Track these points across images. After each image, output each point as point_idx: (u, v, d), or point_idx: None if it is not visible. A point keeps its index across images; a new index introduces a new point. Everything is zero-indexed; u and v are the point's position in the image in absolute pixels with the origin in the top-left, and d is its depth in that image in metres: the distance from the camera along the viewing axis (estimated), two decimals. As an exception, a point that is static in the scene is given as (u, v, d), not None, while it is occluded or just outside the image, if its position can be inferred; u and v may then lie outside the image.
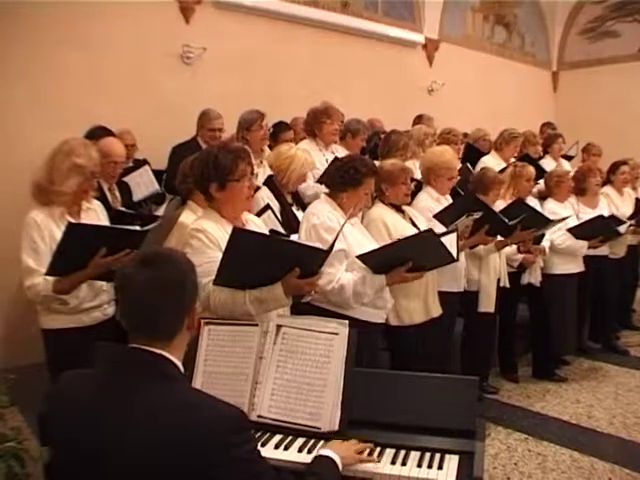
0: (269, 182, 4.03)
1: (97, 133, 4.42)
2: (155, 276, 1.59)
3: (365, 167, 3.28)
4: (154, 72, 5.87)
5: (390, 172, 3.78)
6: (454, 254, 3.25)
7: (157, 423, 1.48)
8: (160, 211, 4.47)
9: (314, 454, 1.91)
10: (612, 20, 10.43)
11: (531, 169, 5.12)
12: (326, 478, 1.87)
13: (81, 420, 1.55)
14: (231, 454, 1.49)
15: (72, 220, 2.99)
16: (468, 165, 5.58)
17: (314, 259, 2.59)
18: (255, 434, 2.20)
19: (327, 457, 1.90)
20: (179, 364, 1.64)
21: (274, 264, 2.49)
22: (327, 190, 3.39)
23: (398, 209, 3.86)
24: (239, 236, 2.38)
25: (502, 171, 5.20)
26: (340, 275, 3.06)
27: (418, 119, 6.46)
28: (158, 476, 1.46)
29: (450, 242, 3.26)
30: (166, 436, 1.47)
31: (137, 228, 3.08)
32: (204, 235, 2.58)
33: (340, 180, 3.26)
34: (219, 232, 2.62)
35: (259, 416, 2.26)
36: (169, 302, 1.60)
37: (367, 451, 2.10)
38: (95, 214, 3.23)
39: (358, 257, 3.04)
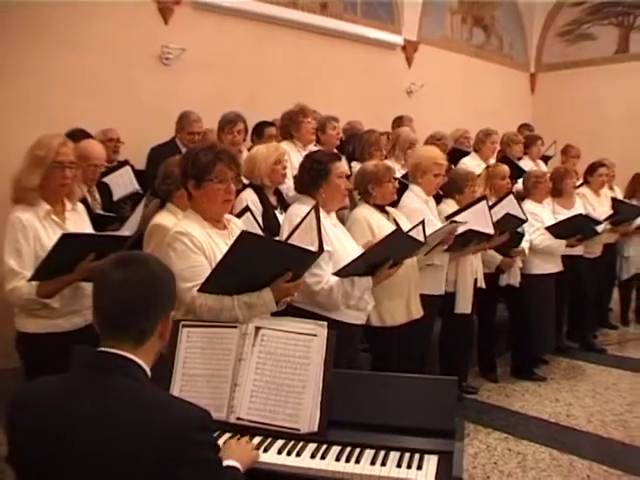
0: (253, 186, 4.01)
1: (75, 135, 4.38)
2: (128, 278, 1.58)
3: (324, 156, 3.31)
4: (133, 73, 5.82)
5: (375, 172, 3.79)
6: (420, 239, 3.32)
7: (124, 422, 1.48)
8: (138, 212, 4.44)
9: None
10: (589, 23, 10.53)
11: (504, 167, 5.19)
12: None
13: (48, 422, 1.53)
14: (194, 453, 1.50)
15: (57, 220, 2.97)
16: (452, 167, 5.62)
17: (305, 261, 2.63)
18: (234, 436, 2.20)
19: (232, 467, 1.87)
20: (147, 369, 1.63)
21: (268, 268, 2.51)
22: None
23: (382, 210, 3.86)
24: (247, 239, 2.38)
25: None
26: (328, 277, 3.05)
27: (398, 120, 6.49)
28: (126, 473, 1.46)
29: (417, 232, 3.32)
30: (132, 434, 1.47)
31: (126, 233, 3.06)
32: (189, 239, 2.56)
33: (310, 179, 3.26)
34: (203, 236, 2.61)
35: (238, 418, 2.26)
36: (141, 305, 1.60)
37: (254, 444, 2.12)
38: (79, 216, 3.20)
39: (335, 274, 3.02)
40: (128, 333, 1.60)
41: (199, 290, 2.48)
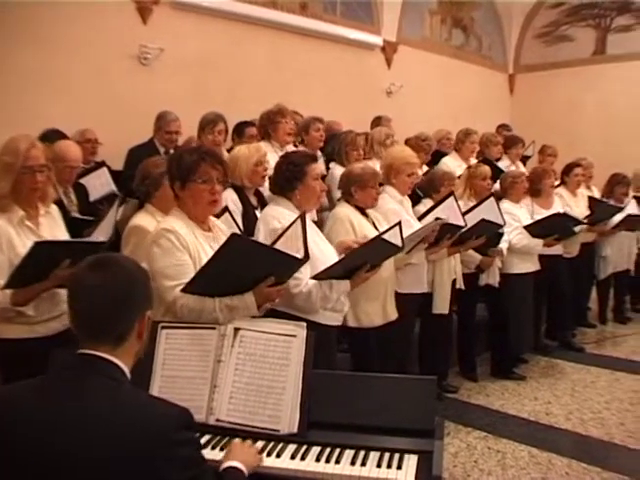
0: (234, 186, 4.00)
1: (51, 136, 4.34)
2: (104, 279, 1.59)
3: (300, 157, 3.28)
4: (111, 73, 5.79)
5: (361, 175, 3.78)
6: (399, 244, 3.32)
7: (104, 423, 1.48)
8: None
9: (222, 467, 1.88)
10: (567, 25, 10.63)
11: (485, 168, 5.22)
12: None
13: (28, 425, 1.52)
14: (177, 451, 1.50)
15: (31, 225, 2.92)
16: (434, 166, 5.66)
17: (290, 268, 2.66)
18: (214, 438, 2.19)
19: (235, 468, 1.87)
20: (126, 370, 1.62)
21: (252, 272, 2.51)
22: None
23: (362, 212, 3.85)
24: (236, 242, 2.37)
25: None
26: (307, 280, 3.04)
27: (377, 120, 6.51)
28: (108, 474, 1.45)
29: (394, 235, 3.31)
30: (113, 435, 1.46)
31: (101, 239, 3.02)
32: (175, 237, 2.55)
33: (285, 180, 3.24)
34: (189, 235, 2.60)
35: (218, 420, 2.25)
36: (117, 306, 1.60)
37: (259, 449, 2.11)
38: (53, 219, 3.14)
39: (314, 277, 3.01)
40: (106, 335, 1.60)
41: (182, 290, 2.47)
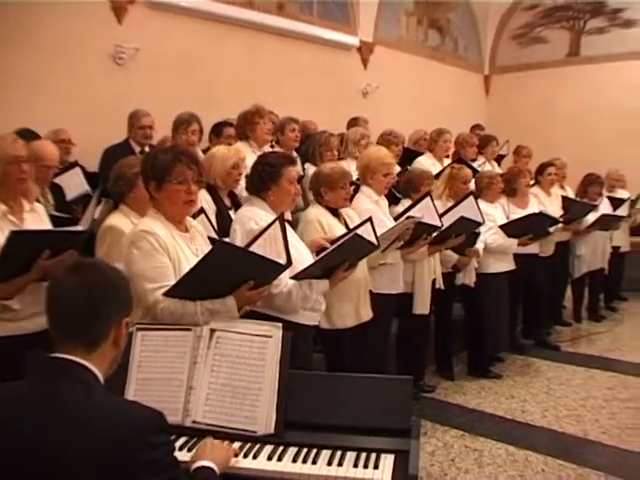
0: (208, 186, 3.98)
1: (23, 136, 4.27)
2: (82, 282, 1.58)
3: (278, 158, 3.27)
4: (86, 72, 5.74)
5: (330, 176, 3.74)
6: (374, 241, 3.33)
7: (77, 427, 1.47)
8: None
9: (193, 467, 1.86)
10: (541, 26, 10.74)
11: (468, 171, 5.26)
12: None
13: (1, 431, 1.50)
14: (149, 455, 1.48)
15: (15, 220, 2.90)
16: (408, 168, 5.68)
17: (273, 273, 2.66)
18: (191, 440, 2.18)
19: (207, 467, 1.85)
20: (99, 375, 1.61)
21: (234, 277, 2.50)
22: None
23: (334, 212, 3.83)
24: (222, 250, 2.37)
25: (439, 174, 5.33)
26: (286, 280, 3.02)
27: (353, 121, 6.52)
28: (81, 479, 1.44)
29: (367, 232, 3.32)
30: (86, 440, 1.45)
31: (79, 228, 3.00)
32: (154, 238, 2.53)
33: (259, 180, 3.23)
34: (168, 237, 2.58)
35: (194, 422, 2.23)
36: (93, 308, 1.59)
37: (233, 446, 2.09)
38: (38, 217, 3.12)
39: (293, 277, 3.01)
40: (80, 339, 1.58)
41: (165, 294, 2.45)
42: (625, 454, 4.08)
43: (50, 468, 1.44)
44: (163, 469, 1.52)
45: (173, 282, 2.46)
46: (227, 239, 3.27)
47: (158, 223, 2.61)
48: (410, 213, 4.21)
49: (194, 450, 2.04)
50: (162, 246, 2.53)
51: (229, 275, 2.49)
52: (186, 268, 2.47)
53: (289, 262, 2.68)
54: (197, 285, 2.44)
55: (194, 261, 2.46)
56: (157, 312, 2.47)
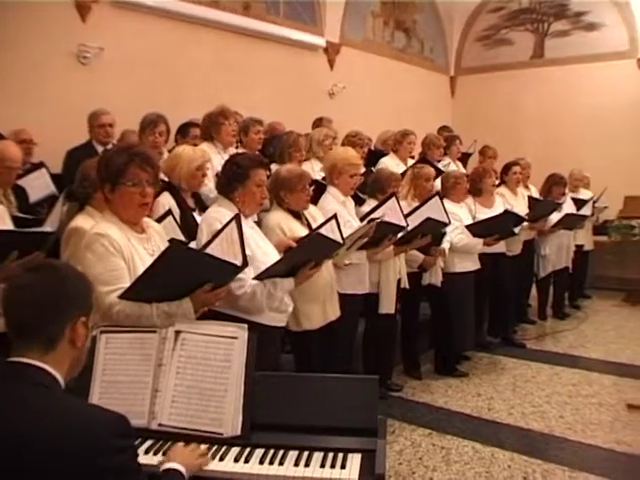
0: (170, 187, 3.94)
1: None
2: (34, 280, 1.58)
3: (246, 160, 3.23)
4: (48, 72, 5.64)
5: (288, 179, 3.70)
6: (338, 239, 3.33)
7: (36, 433, 1.44)
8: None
9: (161, 468, 1.87)
10: (506, 29, 10.85)
11: (430, 169, 5.30)
12: None
13: None
14: (112, 460, 1.47)
15: None
16: (372, 169, 5.71)
17: (229, 274, 2.64)
18: (157, 443, 2.16)
19: (174, 470, 1.86)
20: (58, 377, 1.59)
21: (190, 279, 2.48)
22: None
23: (296, 215, 3.80)
24: (176, 251, 2.35)
25: (403, 175, 5.36)
26: (250, 280, 3.01)
27: (318, 122, 6.53)
28: None
29: (332, 231, 3.33)
30: (46, 446, 1.43)
31: (48, 229, 2.95)
32: (108, 241, 2.49)
33: (227, 181, 3.21)
34: (123, 239, 2.54)
35: (160, 424, 2.21)
36: (45, 306, 1.57)
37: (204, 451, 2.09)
38: (1, 219, 3.07)
39: (256, 278, 3.00)
40: (35, 339, 1.56)
41: (120, 297, 2.42)
42: (589, 449, 4.17)
43: (4, 476, 1.42)
44: (125, 474, 1.51)
45: (128, 284, 2.43)
46: (194, 241, 3.25)
47: (112, 225, 2.57)
48: (375, 213, 4.23)
49: (164, 454, 2.04)
50: (116, 248, 2.50)
51: (185, 277, 2.46)
52: (141, 270, 2.44)
53: (245, 263, 2.66)
54: (152, 287, 2.41)
55: (149, 262, 2.43)
56: (113, 315, 2.43)
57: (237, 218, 2.79)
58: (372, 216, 4.19)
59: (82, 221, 3.30)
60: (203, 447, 2.12)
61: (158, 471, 1.88)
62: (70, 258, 3.15)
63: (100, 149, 4.90)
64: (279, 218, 3.70)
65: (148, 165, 2.60)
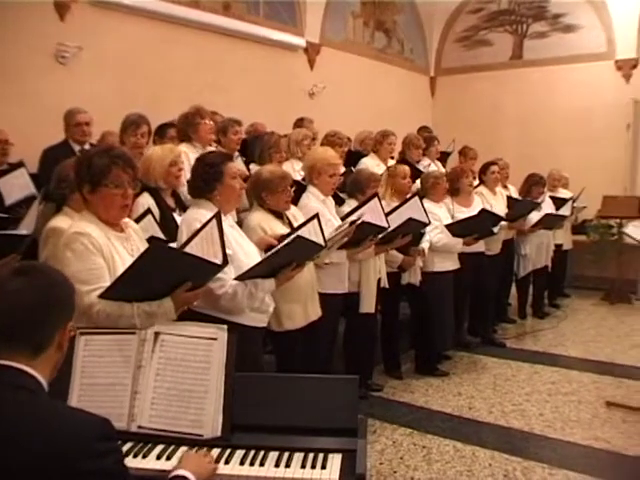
0: (149, 188, 3.91)
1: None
2: (28, 284, 1.55)
3: (215, 158, 3.24)
4: (26, 71, 5.58)
5: (269, 180, 3.70)
6: (320, 241, 3.32)
7: (19, 438, 1.42)
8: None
9: (170, 475, 1.86)
10: (486, 30, 10.93)
11: (404, 167, 5.34)
12: None
13: None
14: (97, 464, 1.46)
15: None
16: (352, 168, 5.72)
17: (209, 273, 2.63)
18: (136, 445, 2.15)
19: (183, 477, 1.85)
20: (42, 381, 1.57)
21: (170, 278, 2.47)
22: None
23: (277, 215, 3.80)
24: (157, 251, 2.34)
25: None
26: (231, 280, 3.00)
27: (299, 122, 6.53)
28: None
29: (314, 231, 3.33)
30: (29, 450, 1.41)
31: (23, 232, 2.92)
32: (88, 240, 2.48)
33: (203, 182, 3.19)
34: (102, 238, 2.53)
35: (139, 427, 2.19)
36: (38, 311, 1.55)
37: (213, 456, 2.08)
38: None
39: (237, 278, 2.99)
40: (23, 344, 1.54)
41: (100, 296, 2.41)
42: (568, 446, 4.21)
43: None
44: (110, 477, 1.50)
45: (108, 284, 2.42)
46: (173, 242, 3.23)
47: (92, 225, 2.56)
48: (357, 214, 4.23)
49: (146, 457, 2.05)
50: (96, 247, 2.49)
51: (165, 276, 2.46)
52: (121, 269, 2.43)
53: (225, 262, 2.65)
54: (133, 286, 2.40)
55: (129, 261, 2.42)
56: (93, 315, 2.42)
57: (217, 216, 2.78)
58: (353, 216, 4.19)
59: (60, 221, 3.27)
60: (214, 453, 2.10)
61: (167, 477, 1.87)
62: (49, 258, 3.12)
63: (77, 148, 4.85)
64: (260, 218, 3.70)
65: (129, 167, 2.61)
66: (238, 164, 3.96)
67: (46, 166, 4.37)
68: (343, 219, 4.26)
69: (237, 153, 5.22)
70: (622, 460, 4.02)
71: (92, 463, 1.44)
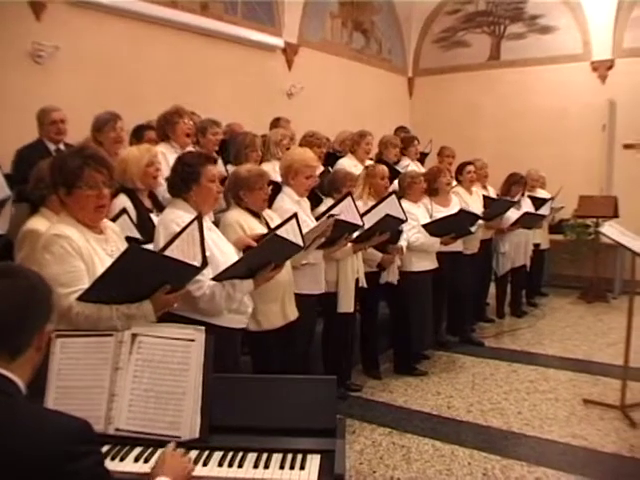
0: (126, 189, 3.88)
1: None
2: (5, 286, 1.52)
3: (195, 158, 3.22)
4: (1, 71, 5.50)
5: (247, 178, 3.70)
6: (299, 242, 3.33)
7: (5, 440, 1.41)
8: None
9: None
10: (463, 31, 10.98)
11: (382, 167, 5.36)
12: None
13: None
14: (77, 467, 1.44)
15: None
16: (329, 168, 5.73)
17: (188, 275, 2.62)
18: (114, 448, 2.13)
19: None
20: (20, 384, 1.55)
21: (149, 280, 2.46)
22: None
23: (255, 214, 3.79)
24: (135, 253, 2.32)
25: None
26: (209, 282, 2.99)
27: (276, 122, 6.52)
28: None
29: (293, 231, 3.33)
30: (7, 454, 1.39)
31: None
32: (67, 242, 2.46)
33: (181, 182, 3.17)
34: (81, 240, 2.51)
35: (117, 429, 2.18)
36: (17, 315, 1.52)
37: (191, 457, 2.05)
38: None
39: (214, 279, 2.97)
40: (2, 346, 1.52)
41: (79, 298, 2.39)
42: (546, 443, 4.25)
43: None
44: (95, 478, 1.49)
45: (87, 286, 2.40)
46: (151, 243, 3.21)
47: (70, 227, 2.54)
48: (332, 212, 4.24)
49: (124, 460, 2.03)
50: (75, 249, 2.47)
51: (144, 278, 2.45)
52: (100, 271, 2.42)
53: (204, 264, 2.64)
54: (111, 288, 2.39)
55: (109, 263, 2.41)
56: (72, 317, 2.41)
57: (199, 218, 2.77)
58: (330, 213, 4.20)
59: (37, 223, 3.25)
60: (192, 454, 2.07)
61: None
62: (25, 260, 3.10)
63: (52, 147, 4.79)
64: (238, 216, 3.69)
65: (103, 167, 2.59)
66: (218, 166, 3.93)
67: (20, 166, 4.31)
68: (318, 219, 4.26)
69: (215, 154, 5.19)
70: (599, 457, 4.07)
71: (73, 466, 1.42)
